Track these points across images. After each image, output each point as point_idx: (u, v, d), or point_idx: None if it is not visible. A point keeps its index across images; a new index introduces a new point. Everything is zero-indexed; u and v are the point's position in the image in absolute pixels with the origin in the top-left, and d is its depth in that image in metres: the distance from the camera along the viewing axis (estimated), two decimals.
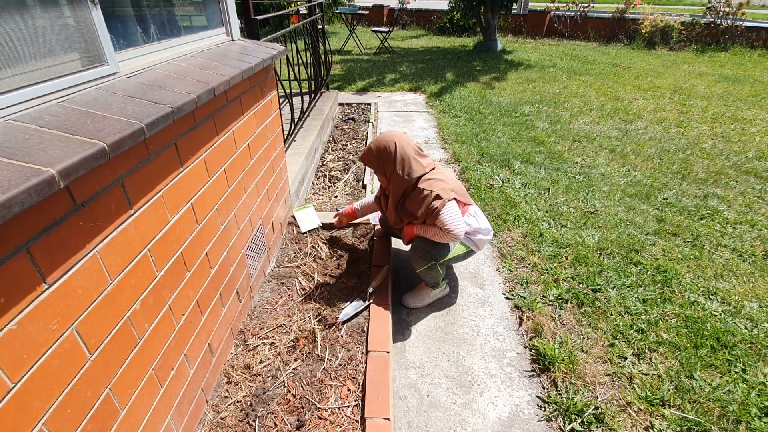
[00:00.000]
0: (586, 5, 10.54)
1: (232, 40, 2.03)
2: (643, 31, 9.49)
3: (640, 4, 10.58)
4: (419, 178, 1.89)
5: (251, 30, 2.26)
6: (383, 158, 1.88)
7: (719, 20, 9.16)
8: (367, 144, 1.81)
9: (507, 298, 2.22)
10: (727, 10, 9.07)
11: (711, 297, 2.18)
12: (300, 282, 2.20)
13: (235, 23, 2.02)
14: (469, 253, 2.03)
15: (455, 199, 1.88)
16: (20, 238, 0.77)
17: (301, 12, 4.96)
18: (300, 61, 3.64)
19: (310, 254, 2.43)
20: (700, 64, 7.90)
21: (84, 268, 0.91)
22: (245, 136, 1.84)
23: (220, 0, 1.90)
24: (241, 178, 1.80)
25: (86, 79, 1.07)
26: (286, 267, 2.32)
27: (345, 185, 3.45)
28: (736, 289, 2.23)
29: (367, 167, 1.88)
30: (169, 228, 1.24)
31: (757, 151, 3.99)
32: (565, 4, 10.88)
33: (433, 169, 1.93)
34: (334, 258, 2.39)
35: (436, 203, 1.81)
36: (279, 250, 2.46)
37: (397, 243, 2.67)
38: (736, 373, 1.76)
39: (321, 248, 2.48)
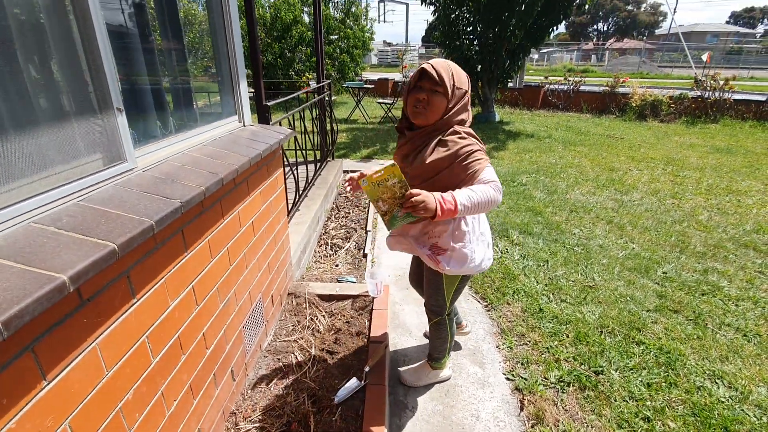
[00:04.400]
0: (578, 80, 11.23)
1: (244, 126, 2.19)
2: (634, 105, 10.00)
3: (628, 80, 11.26)
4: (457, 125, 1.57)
5: (262, 115, 2.44)
6: (458, 78, 1.52)
7: (707, 94, 9.65)
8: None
9: (508, 378, 2.17)
10: (713, 84, 9.57)
11: (717, 381, 2.11)
12: (296, 357, 2.17)
13: (248, 111, 2.20)
14: (464, 278, 1.80)
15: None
16: (27, 339, 0.80)
17: (311, 84, 5.34)
18: (305, 130, 3.87)
19: (308, 327, 2.42)
20: (691, 135, 8.22)
21: (83, 362, 0.94)
22: (250, 215, 1.92)
23: (234, 91, 2.08)
24: (243, 255, 1.86)
25: (106, 177, 1.17)
26: (284, 341, 2.30)
27: (346, 253, 3.51)
28: (743, 372, 2.17)
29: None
30: (168, 313, 1.28)
31: (754, 224, 4.04)
32: (557, 80, 11.61)
33: None
34: (332, 332, 2.37)
35: (480, 155, 1.51)
36: (277, 322, 2.46)
37: (397, 314, 2.66)
38: None
39: (319, 320, 2.48)
